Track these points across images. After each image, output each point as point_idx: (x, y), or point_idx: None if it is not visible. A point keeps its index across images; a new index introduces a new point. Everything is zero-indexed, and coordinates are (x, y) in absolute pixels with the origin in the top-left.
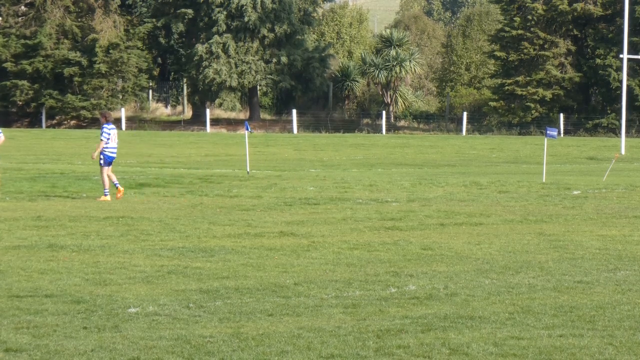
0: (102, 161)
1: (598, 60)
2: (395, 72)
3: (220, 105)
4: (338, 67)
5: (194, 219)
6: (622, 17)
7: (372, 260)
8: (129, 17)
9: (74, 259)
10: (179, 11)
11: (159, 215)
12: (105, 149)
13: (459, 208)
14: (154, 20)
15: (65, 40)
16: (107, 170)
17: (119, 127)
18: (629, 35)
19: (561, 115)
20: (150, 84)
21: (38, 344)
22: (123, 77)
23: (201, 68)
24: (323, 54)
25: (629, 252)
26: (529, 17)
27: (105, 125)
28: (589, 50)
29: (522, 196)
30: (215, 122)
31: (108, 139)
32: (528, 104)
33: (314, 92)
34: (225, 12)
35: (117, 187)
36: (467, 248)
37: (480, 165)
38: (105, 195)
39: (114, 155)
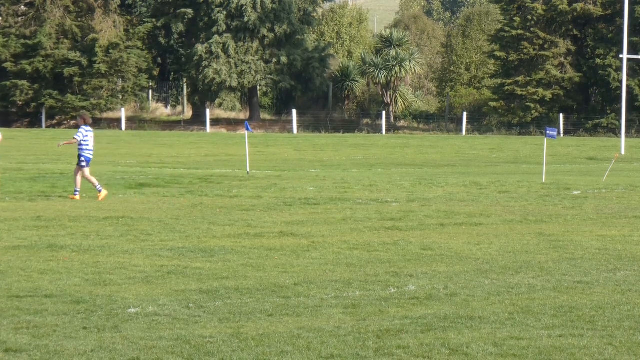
0: (83, 163)
1: (598, 60)
2: (395, 72)
3: (220, 105)
4: (338, 67)
5: (193, 219)
6: (622, 17)
7: (372, 261)
8: (128, 17)
9: (74, 259)
10: (178, 11)
11: (159, 215)
12: (85, 150)
13: (459, 208)
14: (154, 20)
15: (65, 40)
16: (86, 171)
17: (119, 127)
18: (629, 35)
19: (561, 115)
20: (150, 84)
21: (38, 344)
22: (123, 77)
23: (201, 68)
24: (323, 54)
25: (629, 252)
26: (529, 17)
27: (83, 127)
28: (588, 50)
29: (522, 196)
30: (215, 122)
31: (83, 139)
32: (528, 104)
33: (314, 92)
34: (225, 12)
35: (99, 191)
36: (467, 248)
37: (480, 165)
38: (75, 194)
39: (91, 156)
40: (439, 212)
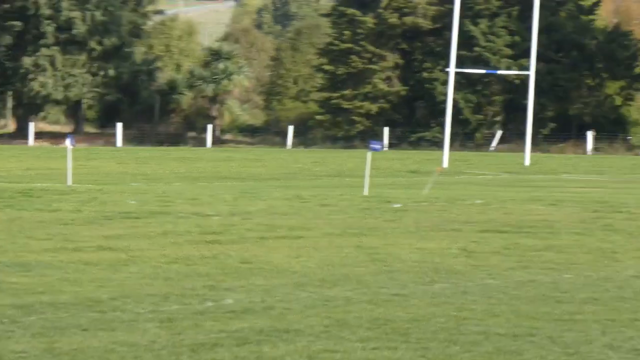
0: None
1: (425, 74)
2: (223, 86)
3: (45, 118)
4: (166, 80)
5: (11, 233)
6: (451, 30)
7: (190, 274)
8: None
9: None
10: (6, 23)
11: None
12: None
13: (281, 221)
14: None
15: None
16: None
17: None
18: (457, 49)
19: (386, 129)
20: None
21: None
22: None
23: (27, 81)
24: (150, 67)
25: (446, 264)
26: (359, 30)
27: None
28: (416, 63)
29: (343, 209)
30: (39, 135)
31: None
32: (353, 117)
33: (140, 105)
34: (54, 25)
35: None
36: (286, 261)
37: (304, 178)
38: None
39: None
40: (260, 225)
